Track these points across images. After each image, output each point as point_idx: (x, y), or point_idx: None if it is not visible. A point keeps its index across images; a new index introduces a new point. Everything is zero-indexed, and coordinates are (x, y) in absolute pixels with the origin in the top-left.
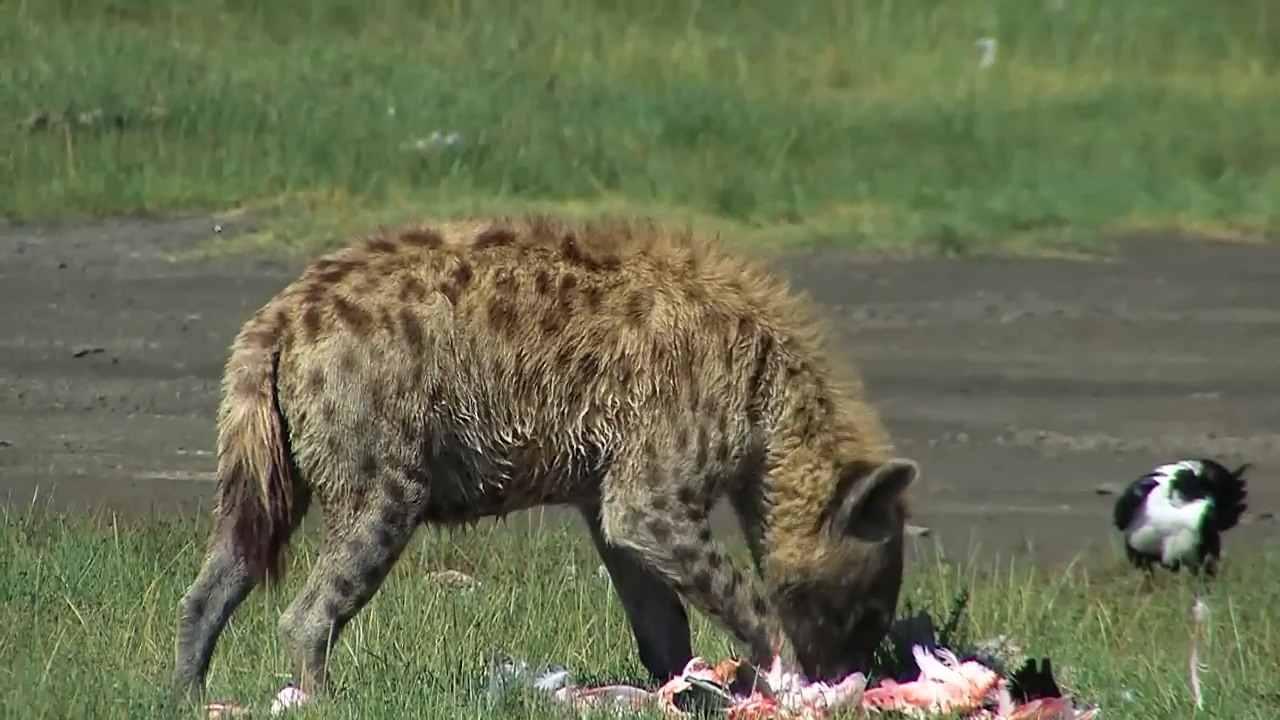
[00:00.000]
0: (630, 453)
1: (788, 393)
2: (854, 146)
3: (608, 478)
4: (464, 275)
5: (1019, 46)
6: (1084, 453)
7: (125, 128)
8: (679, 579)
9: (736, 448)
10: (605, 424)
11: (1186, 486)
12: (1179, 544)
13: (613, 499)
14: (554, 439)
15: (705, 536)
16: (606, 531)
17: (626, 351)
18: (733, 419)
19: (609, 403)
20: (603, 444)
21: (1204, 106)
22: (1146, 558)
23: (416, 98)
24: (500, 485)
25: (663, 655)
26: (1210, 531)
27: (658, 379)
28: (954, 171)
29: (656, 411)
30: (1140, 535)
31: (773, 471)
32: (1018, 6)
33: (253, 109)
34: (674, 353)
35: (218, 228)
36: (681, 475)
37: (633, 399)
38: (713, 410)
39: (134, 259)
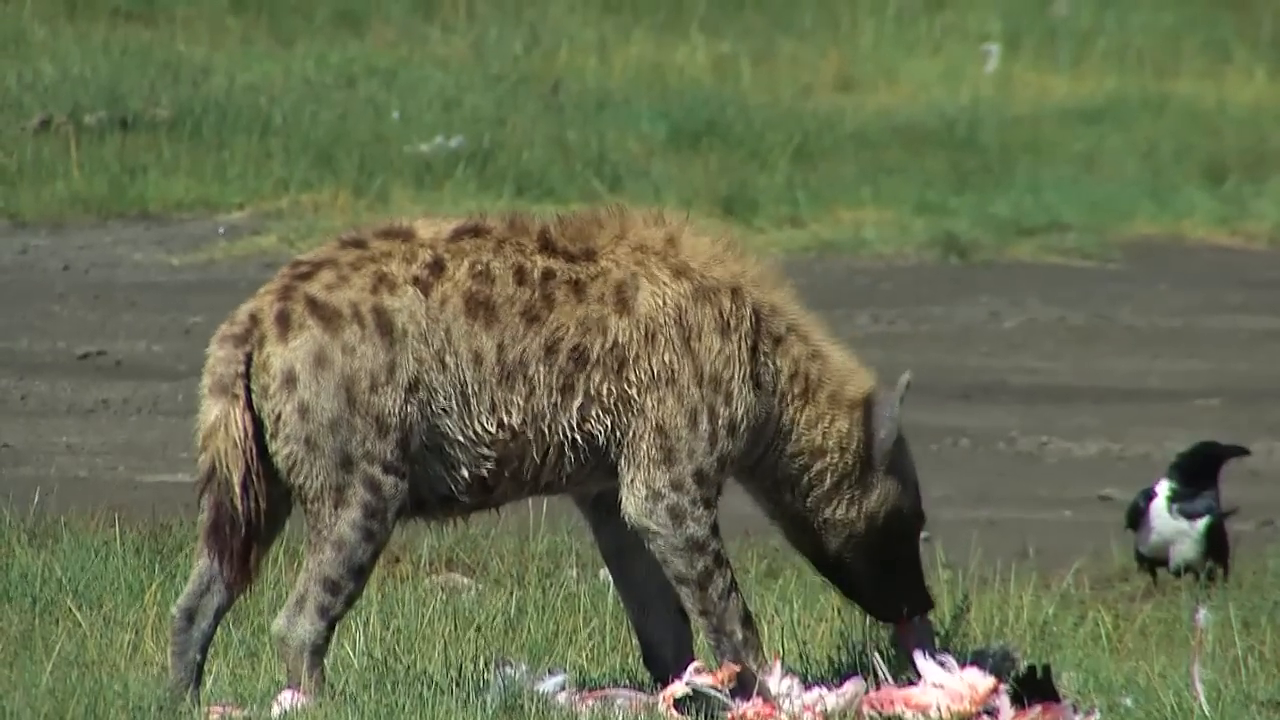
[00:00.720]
0: (642, 436)
1: (779, 362)
2: (857, 151)
3: (623, 462)
4: (437, 267)
5: (1023, 52)
6: (1086, 458)
7: (129, 130)
8: (683, 569)
9: (745, 422)
10: (602, 413)
11: (1183, 499)
12: (1184, 552)
13: (632, 480)
14: (545, 429)
15: (715, 531)
16: (627, 512)
17: (619, 340)
18: (738, 391)
19: (604, 391)
20: (600, 433)
21: (1208, 113)
22: (1154, 563)
23: (421, 101)
24: (487, 475)
25: (667, 658)
26: (1216, 540)
27: (655, 362)
28: (957, 177)
29: (661, 393)
30: (1148, 544)
31: (791, 439)
32: (1022, 12)
33: (257, 111)
34: (668, 332)
35: (221, 230)
36: (695, 456)
37: (630, 385)
38: (718, 386)
39: (137, 261)
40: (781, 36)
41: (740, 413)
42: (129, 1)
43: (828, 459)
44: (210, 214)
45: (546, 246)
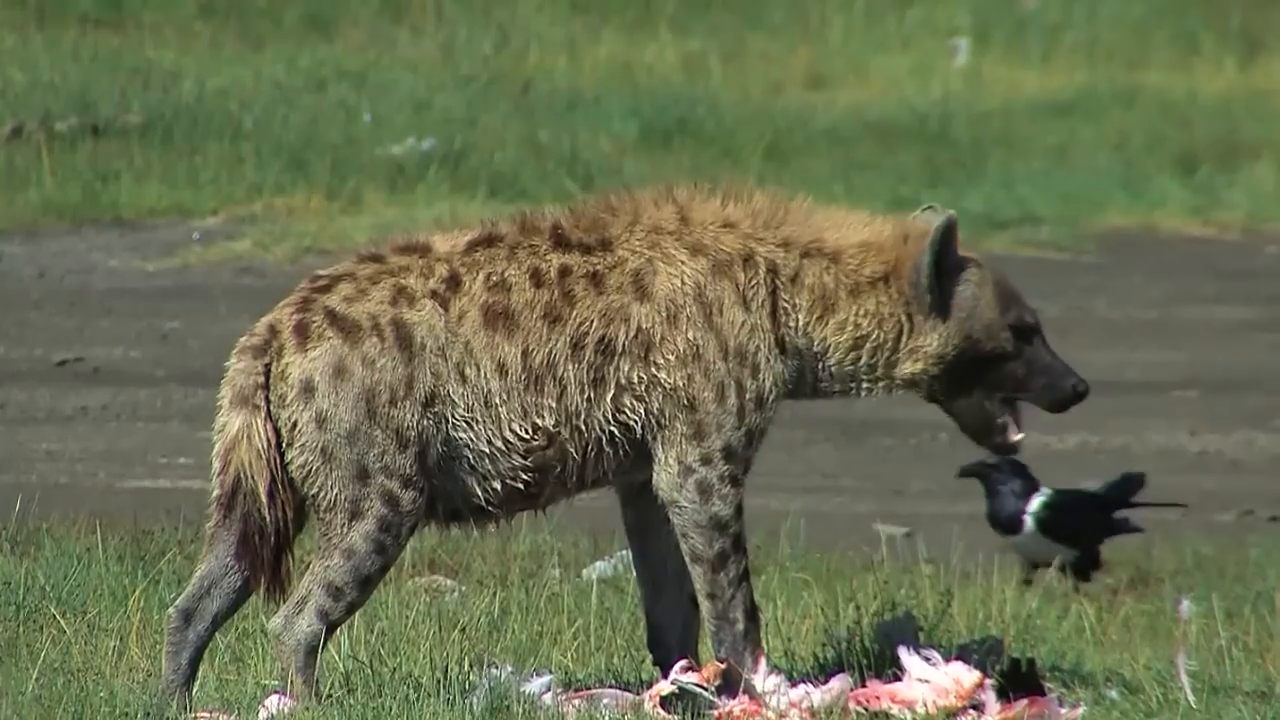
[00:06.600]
0: (674, 416)
1: (799, 300)
2: (829, 148)
3: (658, 443)
4: (454, 282)
5: (992, 46)
6: (1065, 451)
7: (101, 136)
8: (701, 547)
9: (773, 393)
10: (635, 401)
11: (995, 519)
12: (1036, 555)
13: (665, 458)
14: (582, 427)
15: (739, 513)
16: (659, 485)
17: (642, 325)
18: (765, 361)
19: (634, 379)
20: (636, 421)
21: (1178, 104)
22: (1036, 566)
23: (392, 103)
24: (529, 481)
25: (671, 643)
26: (1054, 530)
27: (680, 341)
28: (930, 171)
29: (689, 371)
30: (1020, 559)
31: (830, 351)
32: (991, 6)
33: (228, 116)
34: (689, 310)
35: (195, 235)
36: (724, 430)
37: (658, 369)
38: (744, 359)
39: (112, 267)
40: (751, 34)
41: (768, 385)
42: (98, 8)
43: (871, 341)
44: (184, 219)
45: (560, 243)
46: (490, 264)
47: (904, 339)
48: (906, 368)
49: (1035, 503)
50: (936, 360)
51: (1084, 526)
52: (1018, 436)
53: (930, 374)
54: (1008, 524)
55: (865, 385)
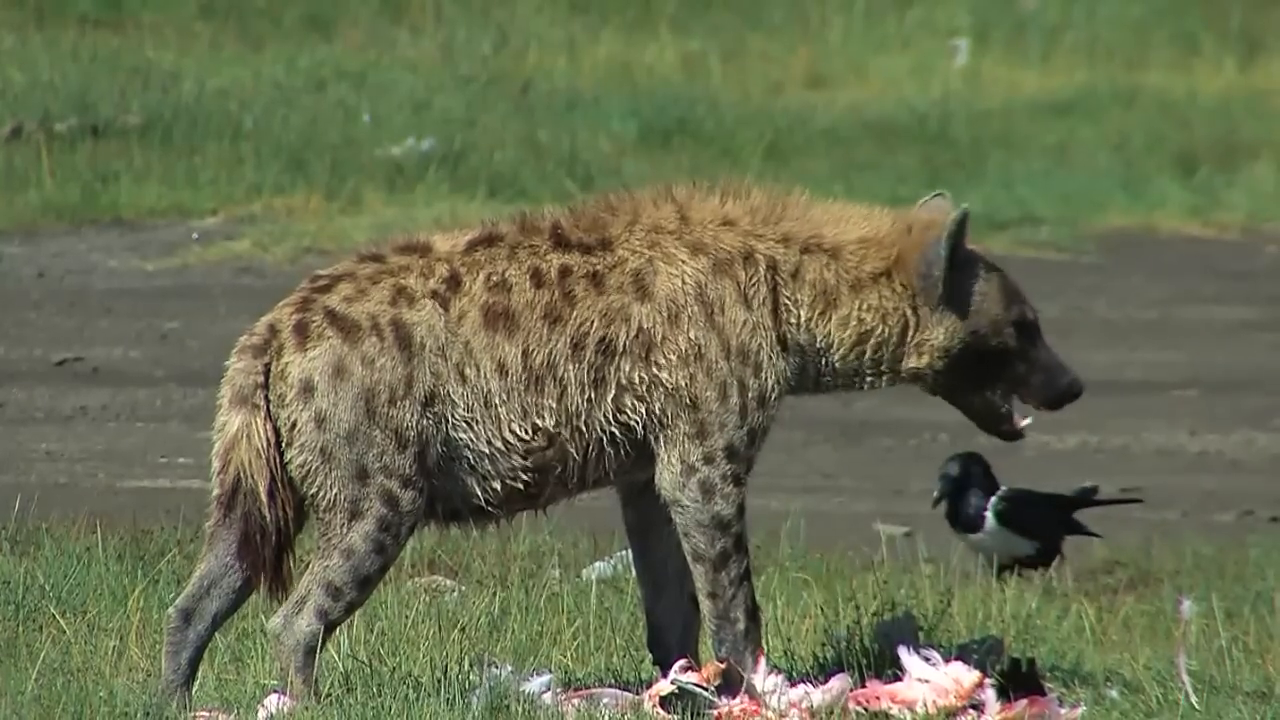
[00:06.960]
0: (677, 415)
1: (798, 296)
2: (829, 148)
3: (660, 442)
4: (454, 282)
5: (992, 46)
6: (1065, 451)
7: (100, 136)
8: (703, 547)
9: (774, 392)
10: (636, 401)
11: (957, 522)
12: (1001, 553)
13: (667, 457)
14: (583, 427)
15: (741, 513)
16: (662, 485)
17: (643, 325)
18: (767, 360)
19: (636, 379)
20: (637, 420)
21: (1178, 104)
22: (1009, 568)
23: (391, 103)
24: (527, 482)
25: (671, 643)
26: (1013, 522)
27: (681, 340)
28: (929, 171)
29: (691, 370)
30: (984, 559)
31: (834, 348)
32: (990, 6)
33: (228, 116)
34: (691, 310)
35: (195, 235)
36: (726, 429)
37: (659, 369)
38: (746, 357)
39: (112, 267)
40: (751, 34)
41: (770, 383)
42: (97, 8)
43: (875, 336)
44: (183, 219)
45: (560, 243)
46: (490, 264)
47: (910, 333)
48: (911, 362)
49: (993, 499)
50: (942, 354)
51: (1042, 520)
52: (1025, 423)
53: (935, 368)
54: (968, 522)
55: (869, 380)
